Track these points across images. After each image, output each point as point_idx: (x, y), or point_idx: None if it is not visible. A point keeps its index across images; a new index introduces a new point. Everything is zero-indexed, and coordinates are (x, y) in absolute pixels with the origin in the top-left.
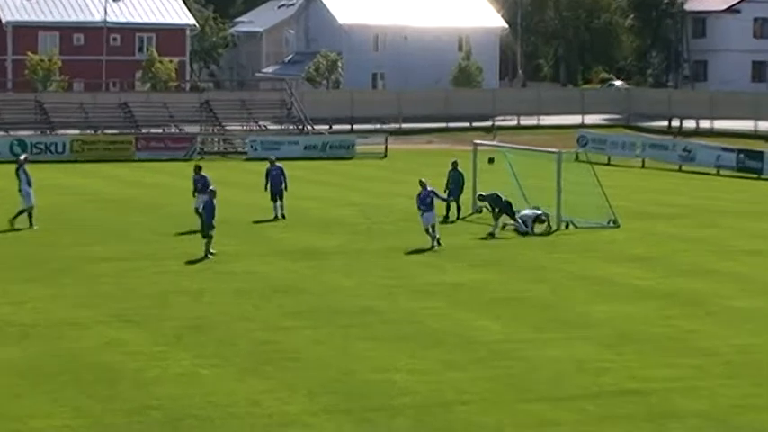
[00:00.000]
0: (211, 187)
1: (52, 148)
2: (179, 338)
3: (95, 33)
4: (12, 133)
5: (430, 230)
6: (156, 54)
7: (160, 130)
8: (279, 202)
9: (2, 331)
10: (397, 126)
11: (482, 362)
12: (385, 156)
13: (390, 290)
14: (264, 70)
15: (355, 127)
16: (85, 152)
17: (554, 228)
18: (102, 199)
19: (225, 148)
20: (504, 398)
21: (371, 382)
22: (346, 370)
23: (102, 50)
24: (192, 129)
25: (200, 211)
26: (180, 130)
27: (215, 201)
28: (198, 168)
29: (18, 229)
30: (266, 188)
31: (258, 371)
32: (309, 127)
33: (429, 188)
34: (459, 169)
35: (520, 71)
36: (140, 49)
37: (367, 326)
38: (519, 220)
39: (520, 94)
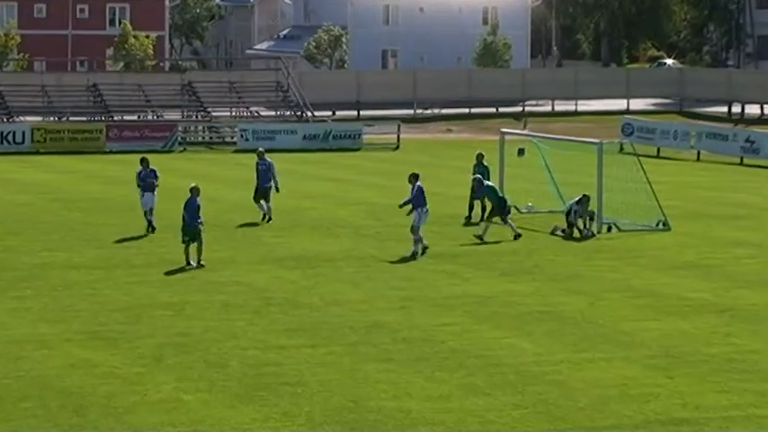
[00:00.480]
0: (193, 184)
1: (10, 138)
2: (159, 359)
3: (59, 3)
4: None
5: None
6: (129, 28)
7: (135, 117)
8: (266, 203)
9: None
10: (411, 112)
11: (510, 386)
12: (397, 147)
13: (404, 303)
14: (257, 47)
15: (362, 113)
16: (48, 143)
17: (593, 231)
18: (69, 198)
19: (211, 138)
20: (536, 428)
21: (382, 411)
22: (353, 396)
23: (67, 23)
24: (173, 115)
25: (149, 212)
26: (158, 116)
27: (198, 199)
28: (144, 161)
29: None
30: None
31: (251, 397)
32: (309, 113)
33: (419, 183)
34: (485, 163)
35: (554, 48)
36: (112, 23)
37: (377, 345)
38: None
39: (554, 74)
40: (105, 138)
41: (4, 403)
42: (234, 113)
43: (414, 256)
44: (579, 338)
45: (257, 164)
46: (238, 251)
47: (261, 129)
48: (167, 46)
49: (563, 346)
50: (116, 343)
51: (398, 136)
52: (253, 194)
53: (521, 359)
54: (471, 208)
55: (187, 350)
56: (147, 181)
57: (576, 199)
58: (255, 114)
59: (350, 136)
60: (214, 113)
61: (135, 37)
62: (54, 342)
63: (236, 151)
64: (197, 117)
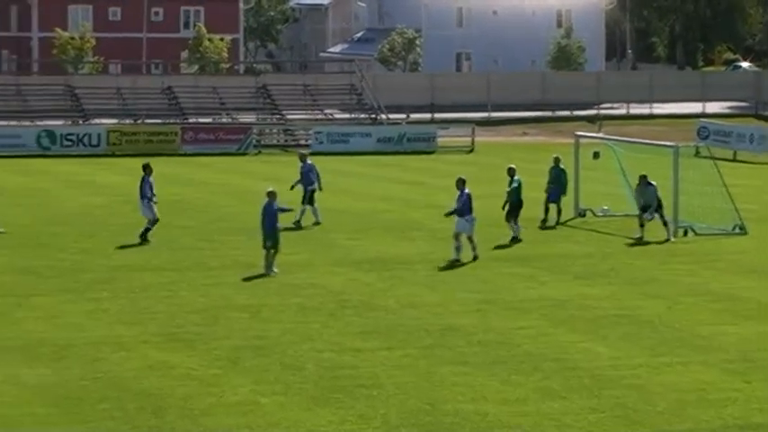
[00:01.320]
0: (270, 188)
1: (85, 140)
2: (235, 361)
3: (134, 6)
4: (39, 123)
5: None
6: (204, 31)
7: (210, 120)
8: (311, 206)
9: (33, 351)
10: (486, 115)
11: (586, 390)
12: (471, 150)
13: (480, 306)
14: (330, 50)
15: (436, 116)
16: (124, 145)
17: (670, 236)
18: None
19: (286, 141)
20: None
21: (458, 414)
22: (429, 399)
23: (141, 26)
24: (248, 118)
25: (151, 221)
26: (233, 119)
27: (276, 203)
28: (148, 168)
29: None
30: (293, 186)
31: (327, 399)
32: (383, 116)
33: (467, 190)
34: (562, 166)
35: (629, 51)
36: (186, 25)
37: (452, 348)
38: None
39: (629, 77)
40: (180, 140)
41: (82, 405)
42: (308, 116)
43: (475, 259)
44: (656, 342)
45: (301, 167)
46: (314, 254)
47: (335, 131)
48: (242, 49)
49: (640, 350)
50: (193, 345)
51: (473, 139)
52: (301, 198)
53: (596, 363)
54: (547, 211)
55: (263, 352)
56: (145, 188)
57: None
58: (330, 117)
59: (424, 139)
60: (288, 116)
61: (209, 40)
62: (131, 344)
63: (311, 154)
64: (272, 120)
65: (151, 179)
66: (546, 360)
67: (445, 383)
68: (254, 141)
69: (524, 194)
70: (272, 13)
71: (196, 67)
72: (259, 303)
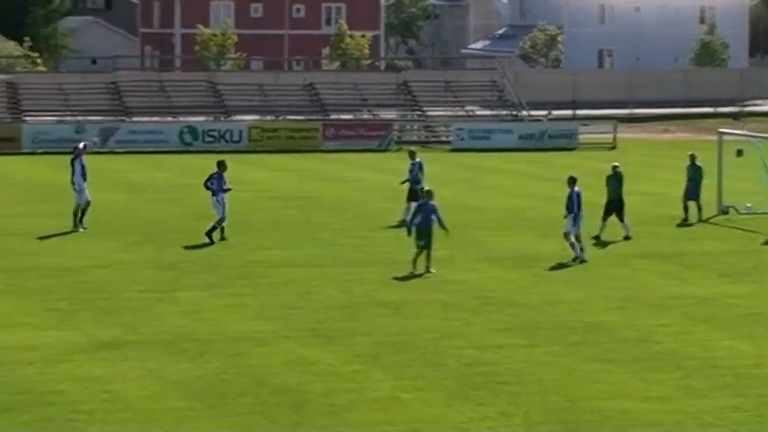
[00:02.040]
0: (427, 187)
1: (227, 137)
2: (376, 357)
3: (276, 3)
4: (181, 119)
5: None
6: (345, 27)
7: (351, 116)
8: (415, 203)
9: (175, 346)
10: (628, 112)
11: (729, 388)
12: (613, 146)
13: (622, 303)
14: (472, 46)
15: (578, 113)
16: (265, 141)
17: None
18: (286, 196)
19: (426, 137)
20: (760, 431)
21: (599, 411)
22: (571, 396)
23: (283, 23)
24: (389, 114)
25: (219, 220)
26: (374, 115)
27: (432, 203)
28: (222, 165)
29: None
30: (403, 182)
31: (468, 395)
32: (525, 113)
33: (577, 188)
34: (698, 163)
35: None
36: (328, 22)
37: (595, 345)
38: None
39: None
40: (322, 136)
41: (223, 399)
42: (449, 113)
43: (581, 261)
44: None
45: (410, 165)
46: (455, 250)
47: (476, 128)
48: (383, 45)
49: None
50: (333, 341)
51: (614, 135)
52: (407, 195)
53: (740, 361)
54: (686, 209)
55: (404, 349)
56: (215, 183)
57: None
58: (471, 113)
59: (565, 135)
60: (429, 113)
61: (351, 36)
62: (272, 339)
63: (452, 150)
64: (412, 116)
65: (225, 175)
66: (688, 358)
67: (587, 381)
68: (394, 138)
69: (664, 191)
70: (413, 10)
71: (337, 63)
72: (400, 300)
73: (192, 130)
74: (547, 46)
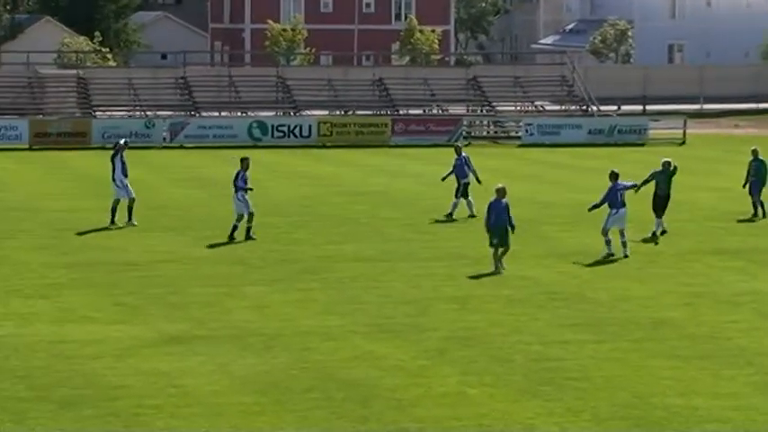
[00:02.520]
0: (501, 185)
1: (296, 132)
2: (443, 352)
3: None
4: (251, 114)
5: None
6: (415, 22)
7: (420, 111)
8: (465, 199)
9: (242, 341)
10: (698, 107)
11: None
12: (683, 142)
13: (690, 299)
14: (541, 41)
15: (648, 108)
16: (334, 136)
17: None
18: (354, 191)
19: (495, 132)
20: None
21: (668, 408)
22: (638, 393)
23: (353, 18)
24: (458, 109)
25: (239, 218)
26: (443, 110)
27: (504, 200)
28: (245, 162)
29: (114, 227)
30: (444, 178)
31: (535, 391)
32: (594, 108)
33: (620, 182)
34: (761, 158)
35: None
36: (398, 17)
37: (663, 341)
38: None
39: None
40: (391, 131)
41: (290, 394)
42: (519, 108)
43: (610, 257)
44: None
45: (455, 160)
46: (522, 245)
47: (545, 123)
48: (452, 40)
49: None
50: (401, 335)
51: (684, 131)
52: (455, 191)
53: None
54: (757, 205)
55: (471, 344)
56: (240, 181)
57: None
58: (540, 109)
59: (635, 131)
60: (499, 108)
61: (420, 31)
62: (340, 334)
63: (521, 146)
64: (482, 111)
65: (247, 174)
66: (758, 354)
67: (655, 377)
68: (463, 133)
69: (733, 186)
70: (484, 5)
71: (407, 58)
72: (468, 295)
73: (262, 125)
74: (617, 41)
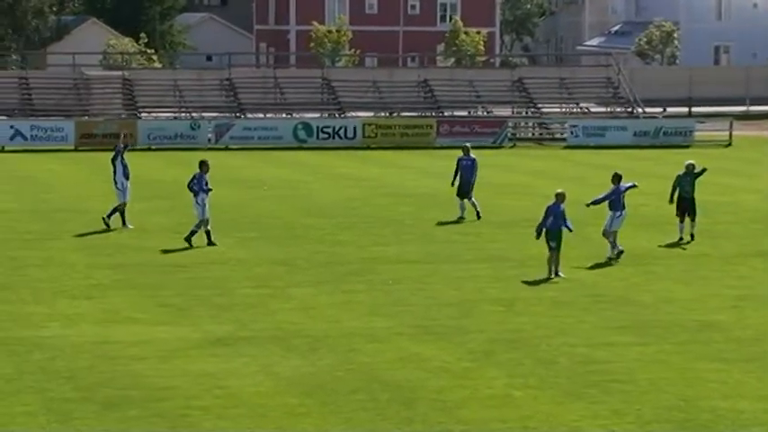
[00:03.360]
0: (559, 190)
1: (341, 133)
2: (489, 355)
3: (391, 0)
4: (296, 115)
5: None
6: (460, 24)
7: (465, 113)
8: (469, 200)
9: (287, 342)
10: (744, 109)
11: None
12: (729, 144)
13: (736, 302)
14: (587, 43)
15: (694, 110)
16: (379, 138)
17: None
18: (398, 192)
19: (540, 134)
20: None
21: (713, 411)
22: (683, 396)
23: (398, 20)
24: (503, 111)
25: (198, 224)
26: (488, 112)
27: (563, 206)
28: (204, 166)
29: (110, 229)
30: (453, 182)
31: (580, 394)
32: (640, 110)
33: (623, 184)
34: None
35: None
36: (443, 19)
37: (709, 344)
38: None
39: None
40: (435, 133)
41: (335, 395)
42: (564, 110)
43: (609, 261)
44: None
45: (461, 159)
46: (567, 247)
47: (591, 125)
48: (498, 42)
49: None
50: (446, 337)
51: (730, 133)
52: (456, 191)
53: None
54: None
55: (516, 346)
56: (197, 185)
57: None
58: (585, 110)
59: (681, 133)
60: (544, 109)
61: (466, 33)
62: (385, 335)
63: (566, 147)
64: (527, 113)
65: (206, 176)
66: None
67: (700, 380)
68: (509, 135)
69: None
70: (529, 7)
71: (452, 60)
72: (512, 297)
73: (307, 126)
74: (663, 42)
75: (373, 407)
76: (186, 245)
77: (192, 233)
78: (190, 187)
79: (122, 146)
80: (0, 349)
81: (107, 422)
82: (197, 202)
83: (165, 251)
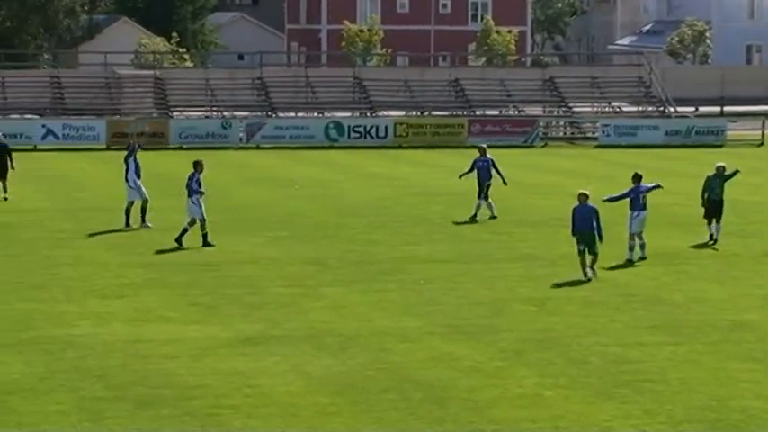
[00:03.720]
0: (582, 190)
1: (373, 132)
2: (520, 354)
3: None
4: (327, 114)
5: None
6: (492, 23)
7: (497, 112)
8: (485, 201)
9: (318, 341)
10: None
11: None
12: (761, 143)
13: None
14: (618, 42)
15: (726, 109)
16: (411, 137)
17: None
18: (430, 192)
19: (572, 134)
20: None
21: (745, 411)
22: (715, 396)
23: (429, 19)
24: (534, 110)
25: (191, 222)
26: (519, 111)
27: (592, 205)
28: (199, 166)
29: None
30: (461, 177)
31: (612, 393)
32: (672, 109)
33: (643, 185)
34: None
35: None
36: (474, 18)
37: (741, 344)
38: None
39: None
40: (467, 132)
41: (366, 395)
42: (595, 109)
43: (630, 263)
44: None
45: (477, 160)
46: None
47: (622, 124)
48: (529, 41)
49: None
50: (477, 337)
51: (763, 132)
52: (477, 193)
53: None
54: None
55: (548, 345)
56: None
57: None
58: (617, 110)
59: (713, 132)
60: (575, 109)
61: (497, 32)
62: (416, 335)
63: (598, 147)
64: (558, 112)
65: (200, 177)
66: None
67: (732, 380)
68: (540, 134)
69: None
70: (560, 6)
71: (483, 59)
72: (544, 296)
73: (338, 125)
74: (694, 41)
75: (405, 406)
76: (210, 245)
77: (184, 232)
78: (189, 187)
79: (136, 145)
80: (33, 348)
81: (139, 421)
82: (192, 201)
83: (195, 250)
